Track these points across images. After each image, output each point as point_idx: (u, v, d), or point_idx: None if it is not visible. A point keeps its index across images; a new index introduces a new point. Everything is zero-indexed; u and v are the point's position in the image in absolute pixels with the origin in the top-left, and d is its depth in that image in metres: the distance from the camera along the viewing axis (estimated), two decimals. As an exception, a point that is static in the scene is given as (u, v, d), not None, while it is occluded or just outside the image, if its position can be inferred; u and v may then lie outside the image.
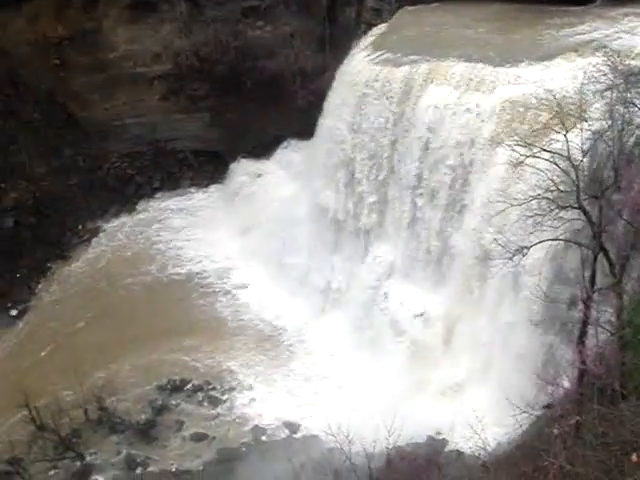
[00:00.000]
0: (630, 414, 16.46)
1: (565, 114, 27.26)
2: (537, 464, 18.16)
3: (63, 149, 56.26)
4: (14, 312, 47.27)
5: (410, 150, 38.32)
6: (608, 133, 25.51)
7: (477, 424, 22.35)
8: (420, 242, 38.77)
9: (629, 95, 26.11)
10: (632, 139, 26.70)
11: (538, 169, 26.32)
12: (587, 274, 24.92)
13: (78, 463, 35.86)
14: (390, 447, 25.18)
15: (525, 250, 25.27)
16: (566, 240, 26.77)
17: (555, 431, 19.27)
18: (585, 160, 25.25)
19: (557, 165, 25.00)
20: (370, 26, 48.97)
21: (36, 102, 54.82)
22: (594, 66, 29.78)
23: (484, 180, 34.33)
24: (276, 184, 54.02)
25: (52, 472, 35.61)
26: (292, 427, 37.10)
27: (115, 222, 56.31)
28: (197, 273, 50.08)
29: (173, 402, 39.32)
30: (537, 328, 30.52)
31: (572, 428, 19.42)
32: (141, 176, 59.62)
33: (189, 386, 40.29)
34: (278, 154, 56.89)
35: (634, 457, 15.26)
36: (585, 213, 24.04)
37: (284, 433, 36.92)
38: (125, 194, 58.40)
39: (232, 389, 39.91)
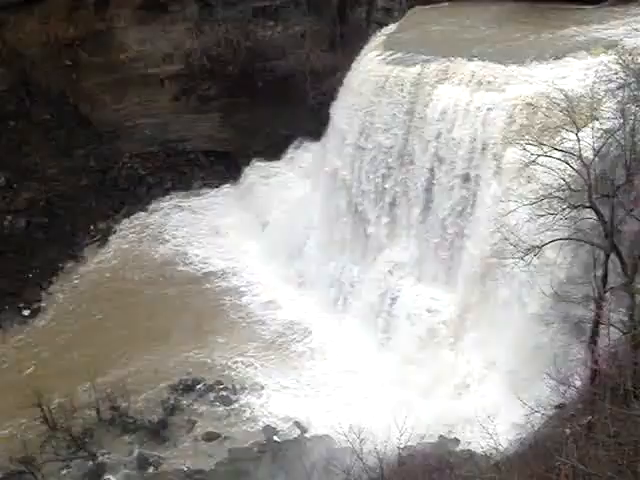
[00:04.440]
0: (643, 414, 16.42)
1: (577, 113, 27.19)
2: (549, 464, 18.12)
3: (75, 150, 56.43)
4: (26, 312, 47.48)
5: (421, 149, 38.30)
6: (620, 132, 25.41)
7: (489, 423, 22.33)
8: (431, 240, 38.72)
9: (641, 93, 26.02)
10: (644, 138, 26.56)
11: (549, 168, 26.26)
12: (599, 273, 24.88)
13: (90, 463, 35.92)
14: (402, 446, 25.17)
15: (537, 249, 25.26)
16: (578, 239, 26.68)
17: (567, 431, 19.26)
18: (597, 159, 25.17)
19: (568, 164, 24.97)
20: (381, 26, 49.02)
21: (48, 103, 55.04)
22: (606, 65, 29.66)
23: (495, 179, 34.23)
24: (287, 184, 54.19)
25: (64, 471, 35.66)
26: (303, 426, 37.08)
27: (127, 222, 56.47)
28: (209, 272, 50.14)
29: (185, 402, 39.32)
30: (549, 327, 30.42)
31: (584, 428, 19.39)
32: (153, 176, 59.88)
33: (201, 386, 40.29)
34: (289, 154, 57.08)
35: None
36: (597, 212, 24.01)
37: (295, 432, 36.86)
38: (137, 194, 58.63)
39: (243, 389, 39.87)
